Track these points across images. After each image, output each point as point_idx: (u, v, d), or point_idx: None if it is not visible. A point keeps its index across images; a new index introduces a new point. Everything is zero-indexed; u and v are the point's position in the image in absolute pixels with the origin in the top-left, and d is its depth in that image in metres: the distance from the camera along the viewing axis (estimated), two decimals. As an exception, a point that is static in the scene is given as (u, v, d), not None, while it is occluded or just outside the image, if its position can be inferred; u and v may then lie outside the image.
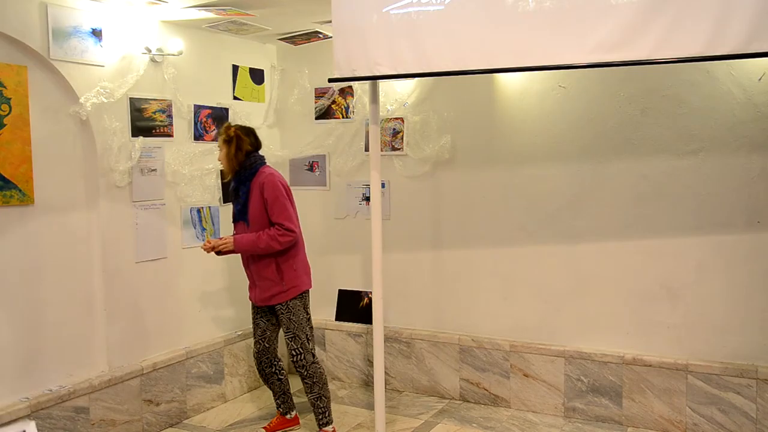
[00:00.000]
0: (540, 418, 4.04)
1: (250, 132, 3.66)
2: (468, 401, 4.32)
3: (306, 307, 3.67)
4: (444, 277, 4.40)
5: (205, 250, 3.63)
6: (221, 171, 4.11)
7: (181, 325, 4.11)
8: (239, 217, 3.61)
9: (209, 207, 4.27)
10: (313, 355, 3.65)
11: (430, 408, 4.23)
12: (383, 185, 4.33)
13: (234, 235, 3.60)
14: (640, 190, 3.79)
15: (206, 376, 4.24)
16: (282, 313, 3.61)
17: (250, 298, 3.75)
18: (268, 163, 3.70)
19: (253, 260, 3.60)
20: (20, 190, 3.23)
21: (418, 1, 3.03)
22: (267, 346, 3.77)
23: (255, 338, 3.80)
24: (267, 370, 3.80)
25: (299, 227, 3.62)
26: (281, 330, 3.73)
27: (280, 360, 3.84)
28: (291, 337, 3.60)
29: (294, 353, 3.60)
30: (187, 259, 4.13)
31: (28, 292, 3.30)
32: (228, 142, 3.57)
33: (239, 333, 4.50)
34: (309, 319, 3.69)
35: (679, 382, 3.72)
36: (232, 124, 3.67)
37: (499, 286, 4.23)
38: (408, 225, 4.47)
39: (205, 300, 4.29)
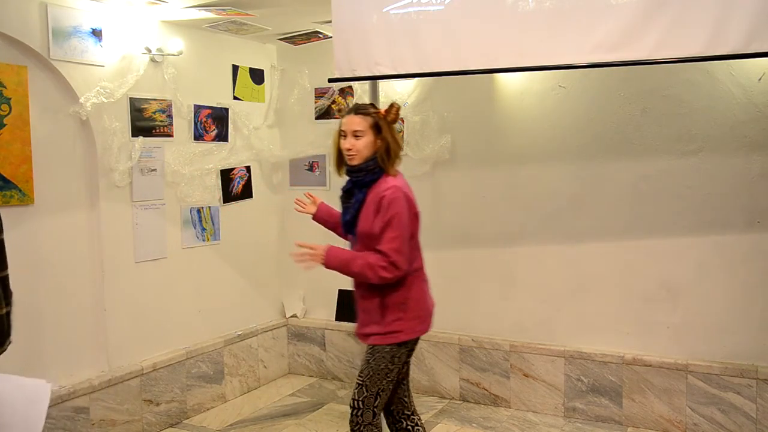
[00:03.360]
0: (540, 418, 4.04)
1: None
2: (468, 401, 4.32)
3: (394, 360, 2.74)
4: (444, 277, 4.39)
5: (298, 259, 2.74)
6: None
7: (181, 325, 4.11)
8: (348, 230, 2.81)
9: (209, 207, 4.27)
10: (374, 415, 2.74)
11: (430, 408, 4.23)
12: (383, 185, 4.32)
13: (329, 245, 2.74)
14: (640, 190, 3.79)
15: (206, 376, 4.24)
16: (368, 353, 2.80)
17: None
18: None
19: (360, 282, 2.79)
20: (20, 190, 3.23)
21: (418, 1, 3.03)
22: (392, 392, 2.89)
23: None
24: (397, 425, 2.95)
25: (419, 261, 2.80)
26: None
27: (414, 413, 2.97)
28: (358, 386, 2.77)
29: (353, 404, 2.77)
30: (187, 259, 4.13)
31: (27, 292, 3.29)
32: (378, 129, 2.71)
33: (239, 333, 4.49)
34: (390, 373, 2.75)
35: (679, 382, 3.72)
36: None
37: (499, 286, 4.23)
38: (408, 225, 4.46)
39: (205, 300, 4.29)
